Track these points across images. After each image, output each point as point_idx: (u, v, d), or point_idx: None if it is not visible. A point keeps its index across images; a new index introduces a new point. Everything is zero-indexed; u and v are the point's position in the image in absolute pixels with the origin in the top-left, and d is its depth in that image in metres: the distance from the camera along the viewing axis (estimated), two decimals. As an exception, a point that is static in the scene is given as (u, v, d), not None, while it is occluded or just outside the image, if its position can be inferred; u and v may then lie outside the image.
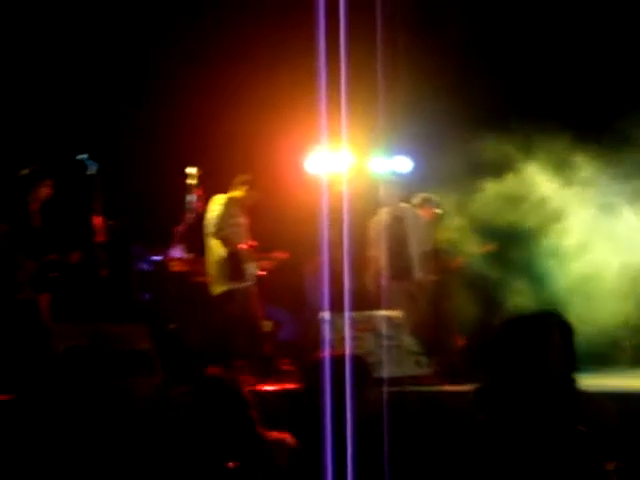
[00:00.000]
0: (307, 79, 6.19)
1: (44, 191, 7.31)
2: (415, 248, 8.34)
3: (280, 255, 8.06)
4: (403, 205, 8.55)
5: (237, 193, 7.77)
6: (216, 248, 7.60)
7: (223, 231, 7.52)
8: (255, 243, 7.82)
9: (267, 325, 8.85)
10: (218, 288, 7.56)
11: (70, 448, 5.17)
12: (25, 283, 6.98)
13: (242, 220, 7.75)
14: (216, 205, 7.60)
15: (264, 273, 7.90)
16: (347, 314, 7.02)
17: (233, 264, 7.55)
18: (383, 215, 8.47)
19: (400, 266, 8.25)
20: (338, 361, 3.39)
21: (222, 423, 3.56)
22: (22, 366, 6.35)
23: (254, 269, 7.74)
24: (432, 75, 9.19)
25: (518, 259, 8.45)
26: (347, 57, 6.04)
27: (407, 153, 9.74)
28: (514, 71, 9.50)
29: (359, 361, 3.53)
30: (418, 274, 8.29)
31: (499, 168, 8.17)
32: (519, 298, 7.76)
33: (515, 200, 8.14)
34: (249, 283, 7.66)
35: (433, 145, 9.44)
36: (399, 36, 8.68)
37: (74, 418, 5.39)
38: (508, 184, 8.15)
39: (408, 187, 8.85)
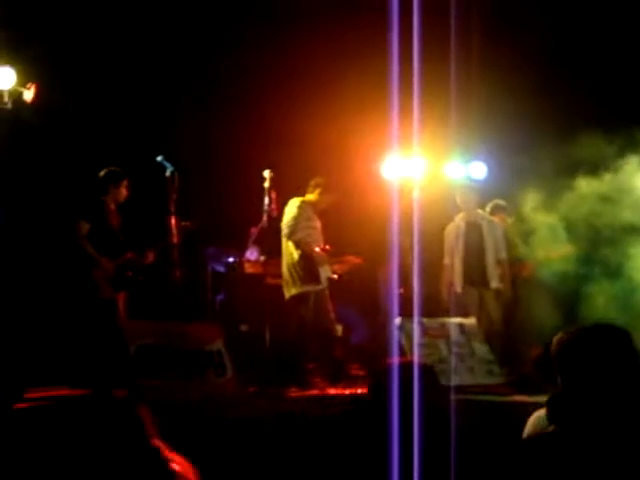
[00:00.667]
0: (381, 83, 6.19)
1: (122, 192, 7.44)
2: (491, 255, 8.26)
3: (353, 260, 8.03)
4: (479, 212, 8.47)
5: (311, 196, 7.80)
6: (290, 250, 7.64)
7: (297, 234, 7.54)
8: (328, 247, 7.82)
9: (339, 329, 8.87)
10: (292, 290, 7.58)
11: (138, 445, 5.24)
12: (104, 282, 7.12)
13: (317, 223, 7.76)
14: (292, 208, 7.63)
15: (336, 277, 7.87)
16: (417, 320, 6.99)
17: (307, 267, 7.55)
18: (459, 222, 8.41)
19: (476, 273, 8.19)
20: (406, 368, 3.36)
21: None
22: (100, 363, 6.46)
23: (327, 272, 7.71)
24: (507, 78, 9.08)
25: (608, 262, 8.24)
26: (421, 60, 6.01)
27: (482, 158, 9.64)
28: (592, 73, 9.32)
29: (427, 369, 3.50)
30: (494, 282, 8.21)
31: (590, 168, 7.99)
32: (606, 305, 7.58)
33: (608, 200, 7.95)
34: (322, 286, 7.63)
35: (508, 150, 9.32)
36: (474, 39, 8.59)
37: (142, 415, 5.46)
38: (601, 184, 7.97)
39: (483, 193, 8.75)
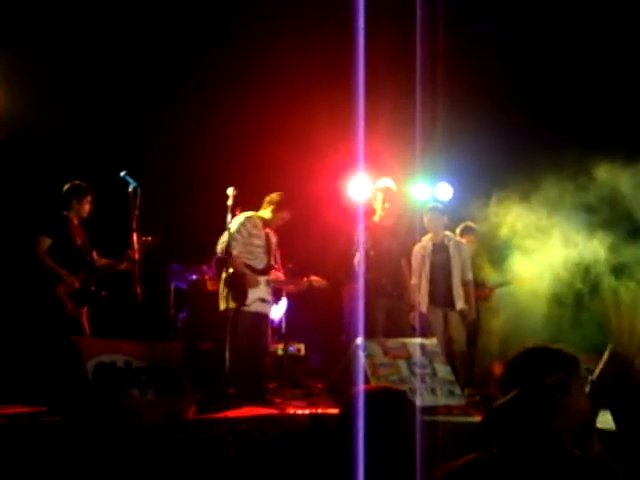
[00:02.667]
0: (346, 104, 6.19)
1: (85, 207, 7.38)
2: (457, 276, 8.28)
3: (312, 280, 7.87)
4: (446, 233, 8.49)
5: (264, 213, 7.68)
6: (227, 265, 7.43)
7: (232, 249, 7.35)
8: (276, 266, 7.68)
9: (301, 348, 8.83)
10: (222, 304, 7.40)
11: (92, 462, 5.17)
12: (67, 297, 7.04)
13: (264, 241, 7.59)
14: (235, 223, 7.48)
15: (269, 299, 7.62)
16: (377, 340, 6.97)
17: (235, 285, 7.35)
18: (426, 243, 8.42)
19: (441, 294, 8.18)
20: (377, 394, 3.33)
21: None
22: (56, 379, 6.36)
23: (263, 294, 7.50)
24: (473, 98, 9.15)
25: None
26: (386, 83, 6.02)
27: (447, 180, 9.69)
28: (557, 94, 9.43)
29: (398, 395, 3.46)
30: (459, 303, 8.22)
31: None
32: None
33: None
34: (249, 308, 7.37)
35: (474, 172, 9.38)
36: (439, 60, 8.64)
37: (97, 433, 5.39)
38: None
39: (450, 215, 8.79)
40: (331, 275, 8.26)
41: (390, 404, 3.26)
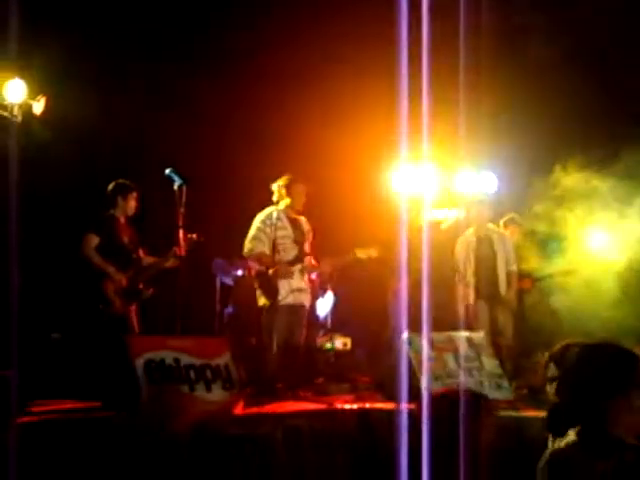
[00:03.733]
0: (390, 92, 6.15)
1: (131, 205, 7.45)
2: (502, 269, 8.23)
3: (357, 251, 7.59)
4: (489, 225, 8.44)
5: (282, 202, 7.56)
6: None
7: (249, 250, 7.40)
8: (308, 254, 7.59)
9: (347, 342, 8.83)
10: (259, 301, 7.44)
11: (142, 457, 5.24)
12: (116, 296, 7.11)
13: (288, 232, 7.49)
14: (255, 221, 7.50)
15: (307, 287, 7.54)
16: (426, 334, 6.93)
17: (263, 280, 7.38)
18: (469, 237, 8.38)
19: (487, 287, 8.16)
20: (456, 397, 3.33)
21: None
22: (109, 376, 6.45)
23: (297, 284, 7.42)
24: (517, 88, 9.04)
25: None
26: (430, 71, 5.97)
27: (493, 170, 9.59)
28: (605, 82, 9.29)
29: (473, 397, 3.45)
30: (505, 294, 8.17)
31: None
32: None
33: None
34: (284, 300, 7.31)
35: (520, 162, 9.28)
36: (483, 48, 8.56)
37: (148, 429, 5.46)
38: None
39: (495, 206, 8.72)
40: (376, 269, 8.24)
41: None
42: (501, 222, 8.77)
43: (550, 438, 2.90)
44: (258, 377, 7.05)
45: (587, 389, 2.82)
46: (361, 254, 7.55)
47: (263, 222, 7.46)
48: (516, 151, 9.37)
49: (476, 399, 3.42)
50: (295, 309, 7.39)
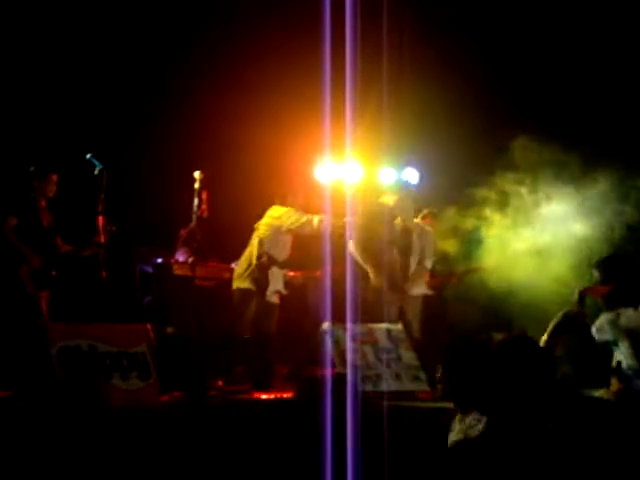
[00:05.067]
0: (314, 86, 6.17)
1: (50, 188, 7.34)
2: (414, 262, 8.26)
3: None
4: (415, 219, 8.47)
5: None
6: (252, 252, 7.73)
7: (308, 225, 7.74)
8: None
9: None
10: (238, 283, 7.72)
11: (60, 448, 5.14)
12: (29, 278, 7.01)
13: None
14: (282, 211, 7.81)
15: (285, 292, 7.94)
16: (348, 326, 6.97)
17: (259, 275, 7.66)
18: (397, 225, 8.37)
19: (399, 279, 8.18)
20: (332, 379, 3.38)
21: None
22: (20, 363, 6.32)
23: (280, 286, 7.84)
24: (439, 84, 9.15)
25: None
26: (354, 65, 6.01)
27: (415, 165, 9.70)
28: (522, 81, 9.46)
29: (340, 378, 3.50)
30: (416, 289, 8.22)
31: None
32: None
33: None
34: (270, 299, 7.74)
35: (441, 156, 9.40)
36: (406, 44, 8.65)
37: (65, 418, 5.36)
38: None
39: (417, 199, 8.80)
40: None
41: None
42: (419, 215, 8.82)
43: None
44: (177, 366, 6.99)
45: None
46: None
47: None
48: (440, 147, 9.49)
49: (342, 380, 3.48)
50: (273, 307, 7.78)
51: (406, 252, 8.24)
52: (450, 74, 9.32)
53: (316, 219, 7.73)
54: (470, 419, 3.00)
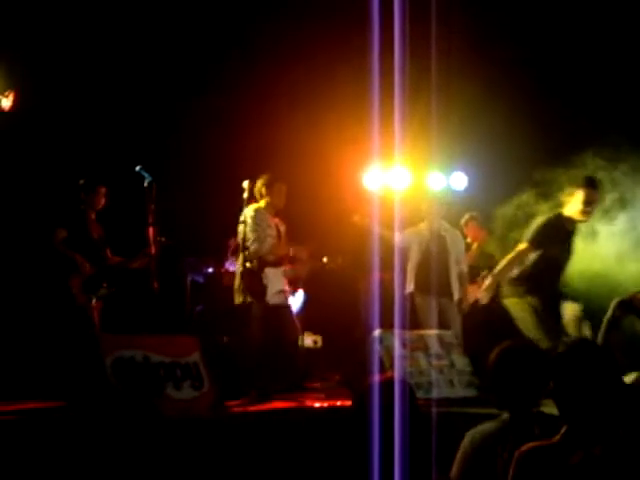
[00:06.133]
0: (362, 93, 6.17)
1: (99, 200, 7.42)
2: (454, 267, 8.21)
3: (326, 261, 7.76)
4: (442, 222, 8.41)
5: (263, 201, 7.49)
6: (241, 261, 7.36)
7: (250, 244, 7.28)
8: (291, 253, 7.52)
9: (318, 340, 8.83)
10: (237, 298, 7.35)
11: (114, 458, 5.18)
12: (80, 289, 7.07)
13: (274, 232, 7.45)
14: (248, 216, 7.35)
15: (288, 290, 7.62)
16: (398, 332, 6.93)
17: (254, 280, 7.28)
18: (422, 230, 8.33)
19: (438, 284, 8.09)
20: (387, 384, 3.37)
21: None
22: (73, 373, 6.38)
23: (281, 285, 7.43)
24: (488, 89, 9.08)
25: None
26: (402, 70, 5.99)
27: (463, 169, 9.63)
28: (570, 89, 9.34)
29: (404, 385, 3.50)
30: (456, 293, 8.15)
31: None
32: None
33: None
34: (273, 301, 7.32)
35: (490, 161, 9.32)
36: (454, 49, 8.60)
37: (119, 428, 5.40)
38: None
39: (461, 204, 8.74)
40: (347, 267, 8.24)
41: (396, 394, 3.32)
42: (462, 220, 8.78)
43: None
44: (230, 376, 7.01)
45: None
46: (329, 263, 7.65)
47: (258, 218, 7.35)
48: (487, 152, 9.41)
49: (409, 388, 3.47)
50: (281, 309, 7.39)
51: (443, 258, 8.17)
52: (498, 78, 9.24)
53: (253, 247, 7.28)
54: None
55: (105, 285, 7.23)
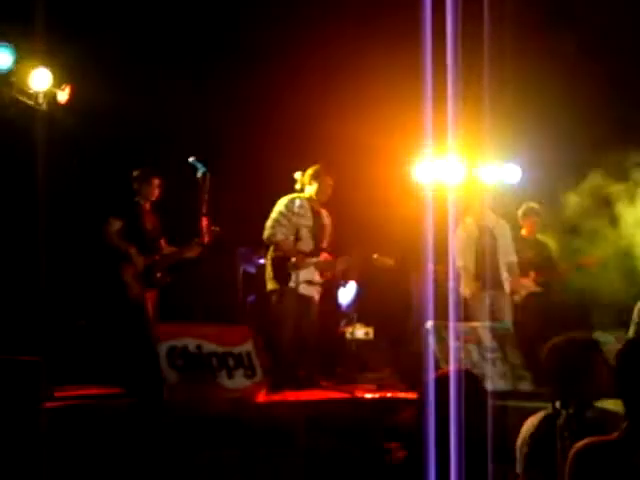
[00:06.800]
0: (414, 83, 6.13)
1: (154, 191, 7.50)
2: (502, 259, 8.14)
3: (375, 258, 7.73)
4: (490, 214, 8.35)
5: (308, 191, 7.55)
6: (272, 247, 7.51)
7: (276, 236, 7.38)
8: (324, 246, 7.56)
9: (369, 332, 8.82)
10: (268, 285, 7.47)
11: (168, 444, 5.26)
12: (134, 280, 7.16)
13: (309, 222, 7.49)
14: (277, 206, 7.48)
15: (320, 280, 7.55)
16: (452, 325, 6.90)
17: (278, 266, 7.38)
18: (469, 224, 8.28)
19: (489, 277, 8.03)
20: (457, 377, 3.37)
21: None
22: (129, 362, 6.49)
23: (310, 276, 7.41)
24: (542, 77, 8.95)
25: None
26: (455, 62, 5.94)
27: (517, 161, 9.53)
28: (625, 74, 9.17)
29: (472, 376, 3.49)
30: (506, 285, 8.09)
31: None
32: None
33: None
34: (298, 289, 7.32)
35: (545, 152, 9.20)
36: (508, 37, 8.48)
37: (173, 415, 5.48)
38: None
39: (514, 196, 8.66)
40: (399, 260, 8.22)
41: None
42: (520, 211, 8.70)
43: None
44: (278, 365, 7.05)
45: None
46: (377, 262, 7.61)
47: (286, 207, 7.45)
48: (542, 142, 9.29)
49: (472, 379, 3.44)
50: (304, 300, 7.37)
51: (492, 250, 8.11)
52: (553, 67, 9.11)
53: (268, 231, 7.42)
54: None
55: (160, 275, 7.31)
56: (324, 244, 7.62)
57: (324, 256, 7.59)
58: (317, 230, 7.54)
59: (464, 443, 3.21)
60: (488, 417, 3.34)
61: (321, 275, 7.56)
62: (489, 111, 8.09)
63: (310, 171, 7.55)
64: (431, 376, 3.39)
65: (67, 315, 7.75)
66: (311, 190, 7.53)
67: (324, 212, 7.61)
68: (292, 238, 7.39)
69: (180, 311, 7.49)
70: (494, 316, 7.92)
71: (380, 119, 8.78)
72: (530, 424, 3.58)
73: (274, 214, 7.44)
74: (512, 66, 8.89)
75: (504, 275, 8.13)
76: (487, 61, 7.78)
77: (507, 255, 8.20)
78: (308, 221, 7.49)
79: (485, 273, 7.98)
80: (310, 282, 7.40)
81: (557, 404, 3.49)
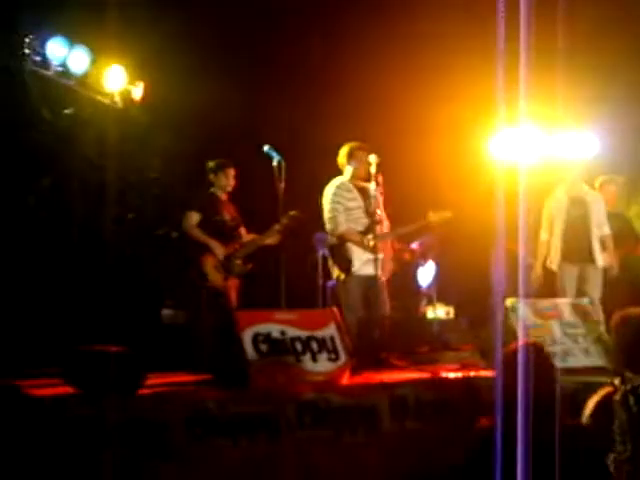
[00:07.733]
0: (487, 56, 6.07)
1: (229, 181, 7.62)
2: (595, 232, 7.99)
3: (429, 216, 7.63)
4: (583, 186, 8.21)
5: (347, 173, 7.59)
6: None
7: (340, 227, 7.42)
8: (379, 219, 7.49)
9: (450, 311, 8.83)
10: (333, 273, 7.55)
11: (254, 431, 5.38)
12: (215, 269, 7.31)
13: (359, 203, 7.50)
14: (325, 198, 7.53)
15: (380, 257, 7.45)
16: (528, 301, 6.87)
17: (337, 252, 7.46)
18: (560, 196, 8.16)
19: (579, 250, 7.92)
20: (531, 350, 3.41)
21: None
22: (215, 349, 6.64)
23: (368, 254, 7.36)
24: (619, 43, 8.74)
25: None
26: (527, 28, 5.86)
27: (594, 131, 9.35)
28: None
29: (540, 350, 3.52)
30: (599, 259, 7.95)
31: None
32: None
33: None
34: (362, 272, 7.36)
35: (623, 122, 9.00)
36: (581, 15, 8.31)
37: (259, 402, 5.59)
38: None
39: (593, 167, 8.51)
40: (478, 237, 8.18)
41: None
42: (597, 183, 8.52)
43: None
44: (362, 347, 7.11)
45: None
46: (434, 217, 7.48)
47: (335, 195, 7.48)
48: (619, 109, 9.08)
49: (540, 352, 3.47)
50: (370, 280, 7.36)
51: (582, 223, 7.98)
52: (629, 28, 8.88)
53: (329, 226, 7.45)
54: None
55: (240, 263, 7.46)
56: (380, 217, 7.51)
57: (380, 229, 7.52)
58: (368, 207, 7.49)
59: (531, 415, 3.24)
60: (556, 391, 3.36)
61: (392, 248, 7.61)
62: (564, 79, 7.95)
63: (343, 152, 7.58)
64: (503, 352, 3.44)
65: (152, 305, 7.97)
66: (350, 169, 7.55)
67: (369, 185, 7.49)
68: (352, 225, 7.44)
69: (263, 298, 7.61)
70: (583, 291, 7.84)
71: (453, 94, 8.73)
72: (590, 402, 3.58)
73: (328, 205, 7.48)
74: (587, 30, 8.71)
75: (596, 248, 8.00)
76: (560, 26, 7.64)
77: (601, 227, 8.04)
78: (357, 202, 7.51)
79: (572, 246, 7.89)
80: (372, 260, 7.35)
81: (616, 381, 3.48)
